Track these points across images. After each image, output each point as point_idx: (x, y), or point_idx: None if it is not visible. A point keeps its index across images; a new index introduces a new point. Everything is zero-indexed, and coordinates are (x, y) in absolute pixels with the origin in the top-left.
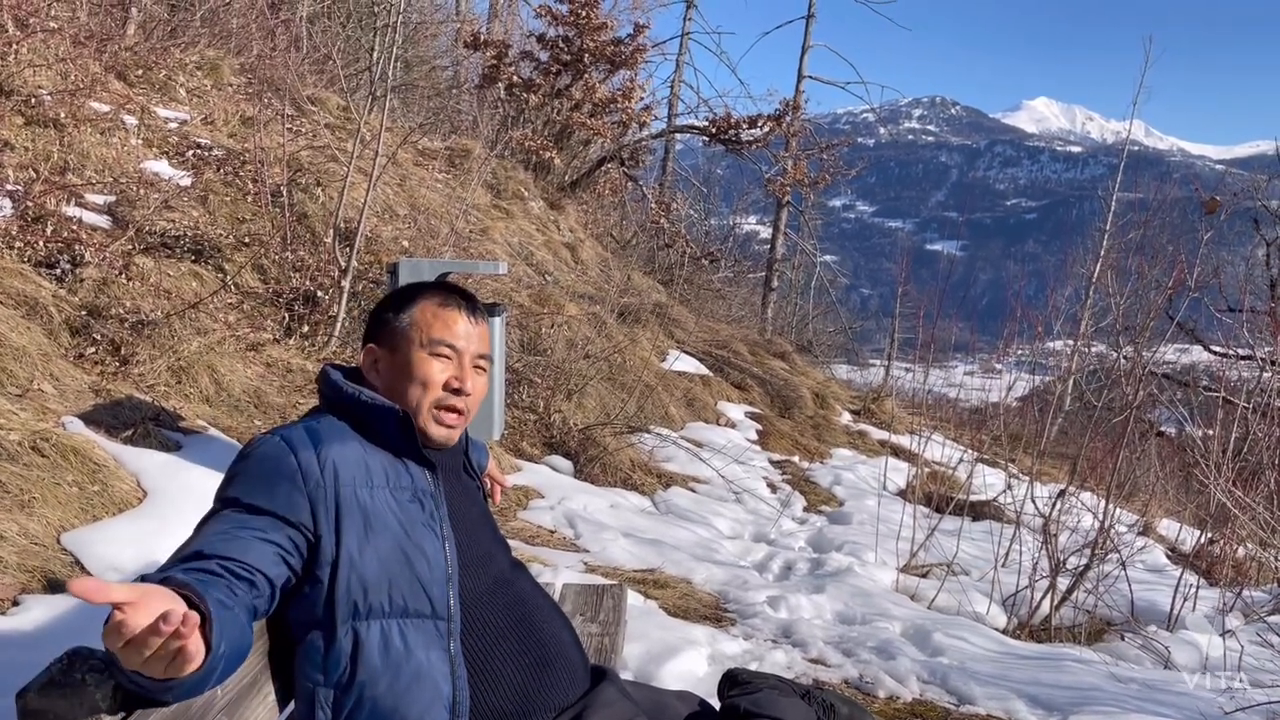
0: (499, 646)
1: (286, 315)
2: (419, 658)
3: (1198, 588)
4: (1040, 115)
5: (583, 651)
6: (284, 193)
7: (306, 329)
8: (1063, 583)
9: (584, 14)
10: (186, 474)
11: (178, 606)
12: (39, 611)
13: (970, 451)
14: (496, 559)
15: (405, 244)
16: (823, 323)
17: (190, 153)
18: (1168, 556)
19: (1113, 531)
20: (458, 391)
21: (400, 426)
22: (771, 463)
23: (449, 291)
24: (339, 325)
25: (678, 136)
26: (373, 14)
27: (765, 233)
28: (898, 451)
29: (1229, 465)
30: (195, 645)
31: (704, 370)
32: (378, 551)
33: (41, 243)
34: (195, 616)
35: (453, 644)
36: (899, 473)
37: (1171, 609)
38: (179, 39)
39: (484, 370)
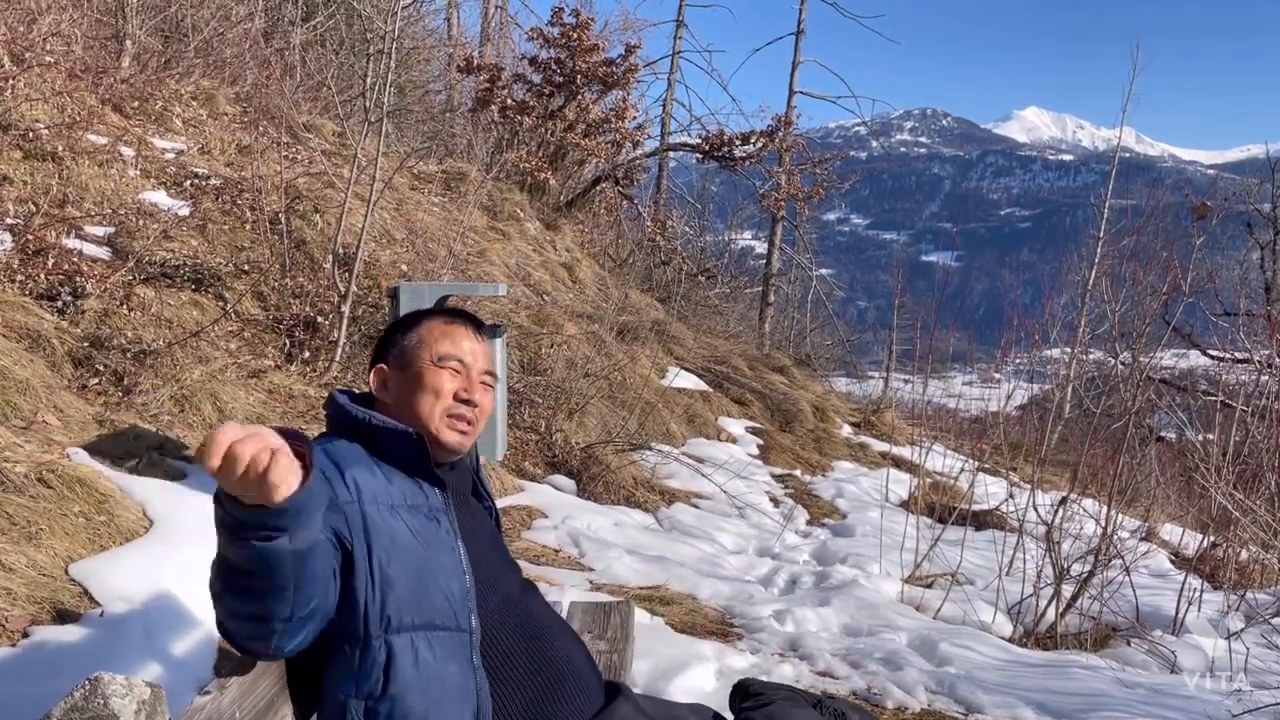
0: (511, 665)
1: (287, 342)
2: (448, 670)
3: (1201, 591)
4: (1031, 124)
5: (596, 668)
6: (282, 220)
7: (307, 355)
8: (1067, 590)
9: (575, 36)
10: (193, 502)
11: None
12: (49, 642)
13: (971, 461)
14: (506, 580)
15: (404, 268)
16: (820, 336)
17: (188, 182)
18: (1171, 561)
19: (1115, 537)
20: (467, 402)
21: (413, 447)
22: (773, 477)
23: (453, 312)
24: (340, 350)
25: (671, 154)
26: (365, 40)
27: (761, 248)
28: (899, 463)
29: (1229, 469)
30: (282, 471)
31: (704, 386)
32: (405, 568)
33: (42, 275)
34: (283, 443)
35: (475, 656)
36: (901, 484)
37: (1176, 613)
38: (173, 69)
39: (490, 387)
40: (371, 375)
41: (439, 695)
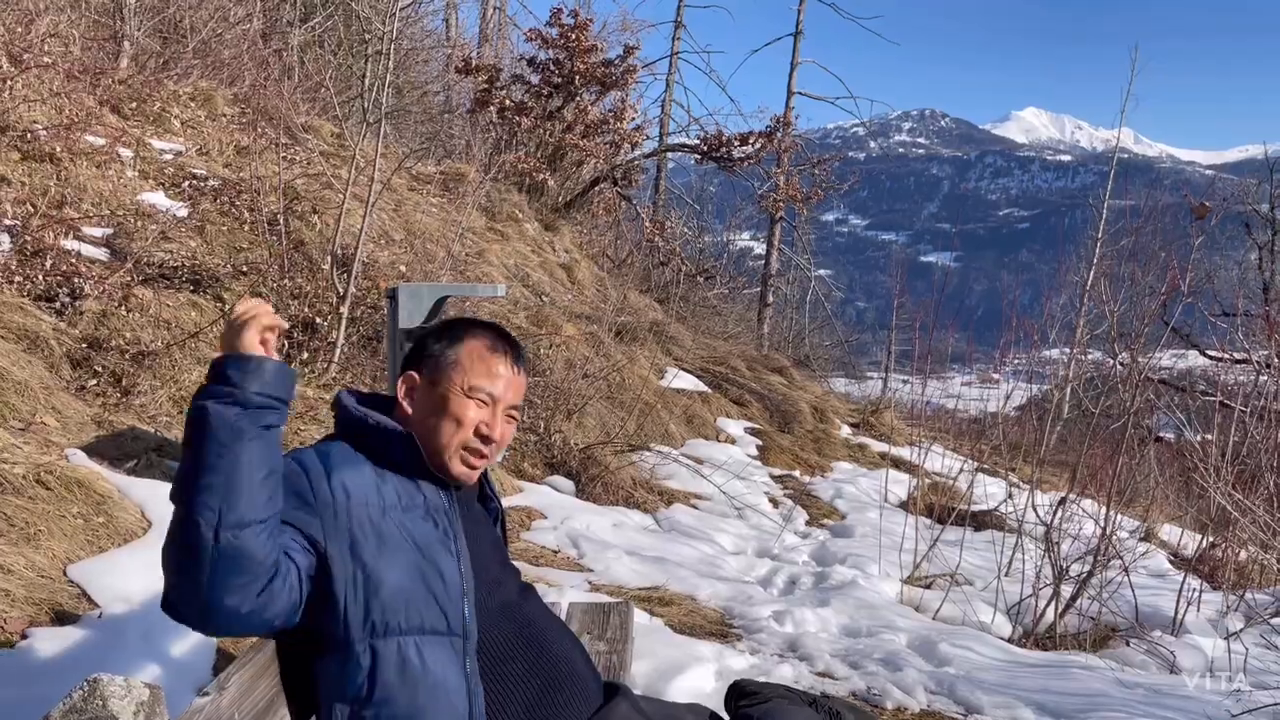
0: (508, 668)
1: (285, 343)
2: (436, 675)
3: (1201, 592)
4: (1029, 125)
5: (595, 669)
6: (280, 221)
7: (306, 356)
8: (1066, 590)
9: (574, 37)
10: None
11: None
12: (48, 644)
13: (970, 461)
14: (505, 584)
15: (402, 269)
16: (819, 337)
17: (186, 183)
18: (1170, 561)
19: (1115, 538)
20: (486, 439)
21: (405, 448)
22: (772, 478)
23: (498, 337)
24: (338, 351)
25: (670, 155)
26: (364, 41)
27: (759, 249)
28: (898, 463)
29: (1228, 469)
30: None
31: (702, 387)
32: (394, 570)
33: (41, 276)
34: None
35: (469, 661)
36: (900, 484)
37: (1175, 614)
38: (171, 71)
39: (514, 420)
40: (401, 380)
41: (427, 701)
